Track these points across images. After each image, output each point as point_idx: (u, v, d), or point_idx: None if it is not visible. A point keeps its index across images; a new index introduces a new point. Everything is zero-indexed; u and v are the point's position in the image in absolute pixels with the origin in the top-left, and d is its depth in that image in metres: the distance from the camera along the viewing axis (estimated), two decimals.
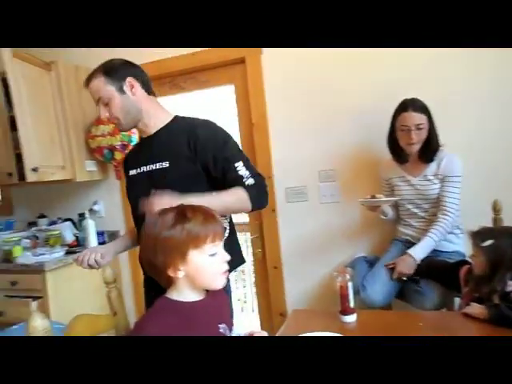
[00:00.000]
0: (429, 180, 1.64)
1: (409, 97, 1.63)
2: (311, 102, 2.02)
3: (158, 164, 1.23)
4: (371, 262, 1.75)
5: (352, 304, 1.23)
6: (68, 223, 2.45)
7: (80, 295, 2.11)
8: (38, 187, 2.51)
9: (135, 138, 2.19)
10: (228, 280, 1.17)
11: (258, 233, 2.21)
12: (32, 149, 2.00)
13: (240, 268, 3.37)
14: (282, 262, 2.14)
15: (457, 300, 1.53)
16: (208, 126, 1.26)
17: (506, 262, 1.15)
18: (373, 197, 1.63)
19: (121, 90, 1.22)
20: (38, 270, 1.99)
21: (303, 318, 1.35)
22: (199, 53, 2.12)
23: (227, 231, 1.27)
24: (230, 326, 0.96)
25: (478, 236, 1.23)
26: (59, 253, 2.16)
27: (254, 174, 1.21)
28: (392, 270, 1.60)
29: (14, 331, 1.36)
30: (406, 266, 1.56)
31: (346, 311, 1.23)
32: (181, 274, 0.82)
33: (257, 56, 2.07)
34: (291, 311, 1.53)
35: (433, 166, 1.63)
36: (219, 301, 0.93)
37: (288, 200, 2.11)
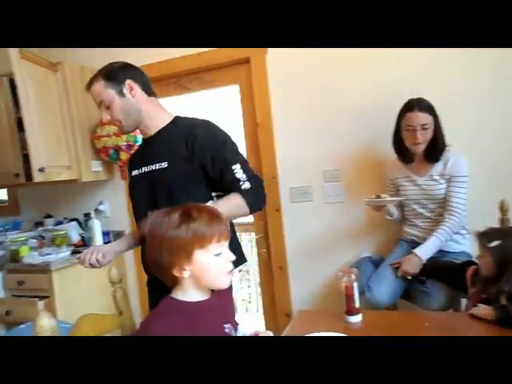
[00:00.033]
0: (435, 180, 1.63)
1: (412, 96, 1.62)
2: (316, 102, 2.01)
3: (157, 164, 1.24)
4: (376, 263, 1.75)
5: (357, 304, 1.23)
6: (74, 223, 2.46)
7: (86, 295, 2.13)
8: (44, 187, 2.53)
9: (140, 138, 2.20)
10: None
11: (263, 233, 2.21)
12: (39, 149, 2.01)
13: (245, 268, 3.37)
14: (287, 262, 2.14)
15: (463, 301, 1.52)
16: (207, 126, 1.26)
17: None
18: (378, 197, 1.63)
19: (121, 93, 1.24)
20: (45, 269, 2.01)
21: (308, 319, 1.35)
22: (204, 53, 2.12)
23: None
24: (235, 325, 0.96)
25: (484, 236, 1.22)
26: (65, 253, 2.17)
27: (251, 176, 1.22)
28: (397, 269, 1.59)
29: (22, 330, 1.37)
30: (412, 266, 1.56)
31: (351, 311, 1.22)
32: (186, 274, 0.83)
33: (262, 56, 2.07)
34: (296, 312, 1.53)
35: (439, 166, 1.62)
36: (224, 301, 0.94)
37: (292, 200, 2.11)
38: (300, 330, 1.14)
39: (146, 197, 1.27)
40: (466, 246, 1.64)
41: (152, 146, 1.30)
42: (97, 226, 2.33)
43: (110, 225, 2.45)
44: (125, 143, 2.22)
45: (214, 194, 1.27)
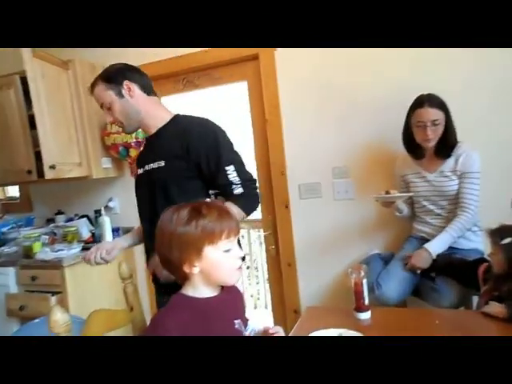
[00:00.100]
0: (446, 176, 1.61)
1: (423, 92, 1.60)
2: (325, 98, 2.00)
3: (156, 163, 1.27)
4: (386, 259, 1.74)
5: (367, 301, 1.22)
6: (84, 220, 2.49)
7: (97, 290, 2.16)
8: (55, 184, 2.57)
9: None
10: None
11: (272, 229, 2.21)
12: (50, 146, 2.04)
13: (253, 265, 3.38)
14: (296, 258, 2.14)
15: (475, 299, 1.50)
16: (203, 125, 1.27)
17: None
18: (387, 192, 1.62)
19: (120, 94, 1.27)
20: (57, 265, 2.03)
21: (317, 315, 1.35)
22: (212, 50, 2.12)
23: None
24: (245, 321, 0.96)
25: (496, 234, 1.20)
26: (76, 249, 2.20)
27: (245, 179, 1.22)
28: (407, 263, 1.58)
29: (36, 325, 1.39)
30: (421, 260, 1.55)
31: (360, 308, 1.22)
32: (196, 270, 0.83)
33: (270, 52, 2.06)
34: (305, 308, 1.53)
35: (450, 162, 1.60)
36: (234, 297, 0.94)
37: (301, 196, 2.10)
38: (309, 327, 1.14)
39: (146, 195, 1.31)
40: (478, 243, 1.62)
41: (152, 145, 1.33)
42: (107, 223, 2.35)
43: (119, 221, 2.48)
44: (134, 140, 2.24)
45: (211, 192, 1.27)
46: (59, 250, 2.15)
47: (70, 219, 2.57)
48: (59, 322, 0.81)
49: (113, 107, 1.27)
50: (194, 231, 0.81)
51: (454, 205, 1.62)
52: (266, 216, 2.23)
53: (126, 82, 1.26)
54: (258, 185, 1.30)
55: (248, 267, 3.16)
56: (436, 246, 1.56)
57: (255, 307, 3.18)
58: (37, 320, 1.43)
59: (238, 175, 1.21)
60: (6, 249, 2.36)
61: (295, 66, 2.04)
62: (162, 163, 1.25)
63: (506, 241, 1.16)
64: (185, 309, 0.83)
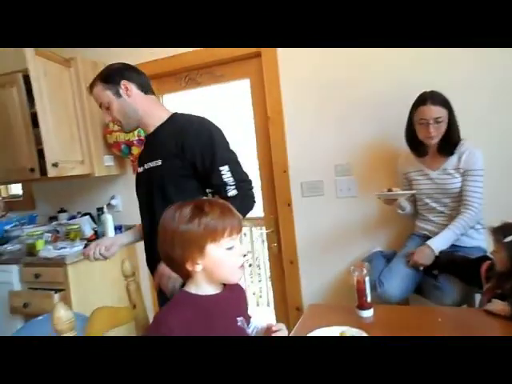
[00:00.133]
0: (449, 174, 1.60)
1: (426, 90, 1.59)
2: (327, 96, 2.00)
3: (154, 162, 1.28)
4: (388, 257, 1.74)
5: (369, 299, 1.22)
6: (87, 217, 2.50)
7: (99, 288, 2.17)
8: (58, 182, 2.57)
9: None
10: None
11: (274, 227, 2.21)
12: (53, 144, 2.04)
13: (255, 262, 3.38)
14: (298, 256, 2.14)
15: (477, 296, 1.50)
16: (199, 124, 1.26)
17: None
18: (389, 190, 1.61)
19: (117, 94, 1.28)
20: (60, 263, 2.04)
21: (320, 313, 1.35)
22: (214, 48, 2.12)
23: None
24: (248, 319, 0.97)
25: (499, 231, 1.20)
26: (79, 247, 2.21)
27: (239, 180, 1.21)
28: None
29: (39, 322, 1.41)
30: (424, 257, 1.55)
31: (362, 306, 1.22)
32: (199, 268, 0.83)
33: (272, 50, 2.05)
34: (307, 306, 1.53)
35: (453, 160, 1.60)
36: (236, 294, 0.94)
37: (304, 194, 2.10)
38: (311, 325, 1.14)
39: (145, 193, 1.32)
40: (481, 241, 1.62)
41: (151, 144, 1.34)
42: (109, 221, 2.36)
43: (122, 219, 2.48)
44: (136, 138, 2.24)
45: (208, 191, 1.27)
46: (62, 248, 2.16)
47: (73, 217, 2.58)
48: (63, 319, 0.81)
49: (111, 107, 1.29)
50: (196, 229, 0.81)
51: (456, 202, 1.61)
52: (269, 214, 2.23)
53: (123, 82, 1.28)
54: (253, 185, 1.29)
55: (250, 265, 3.17)
56: (438, 243, 1.55)
57: (257, 305, 3.18)
58: (40, 317, 1.44)
59: (233, 176, 1.20)
60: (9, 246, 2.37)
61: (297, 64, 2.03)
62: (160, 162, 1.26)
63: (509, 239, 1.16)
64: (188, 306, 0.84)
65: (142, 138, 2.24)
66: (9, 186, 3.12)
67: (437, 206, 1.66)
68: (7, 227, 2.58)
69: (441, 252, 1.55)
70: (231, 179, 1.20)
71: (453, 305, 1.47)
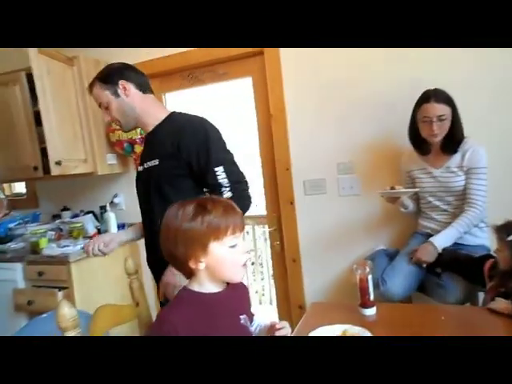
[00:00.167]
0: (452, 172, 1.60)
1: (429, 87, 1.58)
2: (330, 94, 1.99)
3: (152, 161, 1.28)
4: (391, 255, 1.73)
5: (372, 297, 1.22)
6: (90, 216, 2.51)
7: (103, 286, 2.18)
8: (61, 181, 2.58)
9: None
10: None
11: (276, 225, 2.21)
12: (56, 143, 2.05)
13: (258, 261, 3.38)
14: (301, 254, 2.14)
15: (481, 295, 1.50)
16: (195, 124, 1.26)
17: None
18: (392, 188, 1.61)
19: (116, 94, 1.29)
20: (63, 261, 2.05)
21: (322, 311, 1.35)
22: None
23: None
24: (251, 316, 0.97)
25: (503, 230, 1.20)
26: (82, 245, 2.22)
27: (234, 181, 1.20)
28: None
29: (44, 320, 1.42)
30: (427, 254, 1.54)
31: (365, 304, 1.22)
32: (202, 266, 0.83)
33: (275, 48, 2.05)
34: (310, 304, 1.53)
35: (457, 158, 1.59)
36: (239, 292, 0.94)
37: (306, 193, 2.10)
38: (314, 323, 1.14)
39: (144, 192, 1.34)
40: (484, 240, 1.61)
41: (149, 144, 1.35)
42: (112, 219, 2.36)
43: (125, 217, 2.49)
44: (139, 136, 2.24)
45: (205, 189, 1.27)
46: (65, 246, 2.17)
47: (76, 215, 2.59)
48: (67, 317, 0.82)
49: (110, 107, 1.30)
50: (199, 227, 0.81)
51: (460, 200, 1.61)
52: (271, 212, 2.23)
53: (121, 82, 1.28)
54: (248, 185, 1.27)
55: (253, 263, 3.17)
56: (441, 240, 1.55)
57: (260, 303, 3.19)
58: (45, 315, 1.45)
59: (228, 177, 1.20)
60: (13, 244, 2.39)
61: (300, 62, 2.02)
62: (157, 162, 1.27)
63: None
64: (191, 304, 0.84)
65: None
66: (12, 184, 3.13)
67: (440, 204, 1.66)
68: (11, 225, 2.59)
69: (444, 250, 1.54)
70: (226, 180, 1.19)
71: (456, 303, 1.46)
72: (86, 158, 2.27)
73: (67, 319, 0.81)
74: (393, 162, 1.87)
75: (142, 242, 1.51)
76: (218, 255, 0.83)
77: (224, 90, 2.42)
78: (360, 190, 2.00)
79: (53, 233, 2.39)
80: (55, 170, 2.03)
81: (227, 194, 1.20)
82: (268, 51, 2.07)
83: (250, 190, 1.27)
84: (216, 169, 1.19)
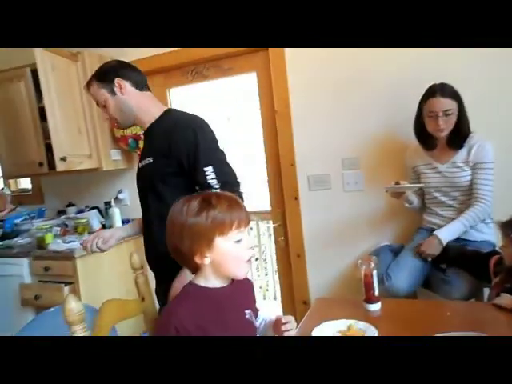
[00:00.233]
0: (458, 167, 1.59)
1: (435, 82, 1.57)
2: (335, 90, 1.98)
3: (147, 159, 1.29)
4: (395, 251, 1.73)
5: (377, 292, 1.22)
6: (95, 211, 2.52)
7: (108, 281, 2.19)
8: (66, 176, 2.60)
9: None
10: None
11: (281, 221, 2.21)
12: (61, 139, 2.06)
13: (262, 256, 3.38)
14: (305, 250, 2.14)
15: (486, 290, 1.49)
16: (186, 123, 1.25)
17: None
18: (397, 183, 1.60)
19: (112, 92, 1.29)
20: (69, 256, 2.07)
21: (327, 307, 1.35)
22: None
23: None
24: (256, 311, 0.97)
25: (508, 226, 1.19)
26: None
27: (224, 182, 1.18)
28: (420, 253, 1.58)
29: (51, 314, 1.43)
30: (431, 247, 1.54)
31: (370, 299, 1.22)
32: (207, 261, 0.84)
33: None
34: (315, 300, 1.53)
35: (463, 153, 1.58)
36: (244, 287, 0.95)
37: (311, 188, 2.10)
38: (318, 318, 1.14)
39: (140, 190, 1.37)
40: (490, 235, 1.60)
41: (146, 141, 1.37)
42: (116, 214, 2.38)
43: (129, 213, 2.50)
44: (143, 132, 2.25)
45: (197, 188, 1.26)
46: (71, 242, 2.19)
47: (81, 211, 2.61)
48: (73, 311, 0.82)
49: (107, 105, 1.31)
50: (204, 222, 0.82)
51: (466, 196, 1.60)
52: (276, 208, 2.23)
53: (117, 80, 1.28)
54: (240, 185, 1.24)
55: (257, 259, 3.17)
56: (446, 234, 1.55)
57: (264, 298, 3.20)
58: (51, 309, 1.47)
59: (217, 177, 1.17)
60: (19, 240, 2.41)
61: (305, 58, 2.01)
62: (151, 160, 1.27)
63: None
64: (197, 298, 0.84)
65: None
66: (18, 180, 3.16)
67: (445, 199, 1.65)
68: (17, 221, 2.61)
69: (450, 246, 1.54)
70: (215, 181, 1.17)
71: (461, 299, 1.46)
72: (91, 153, 2.28)
73: (74, 313, 0.82)
74: (398, 158, 1.86)
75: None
76: (223, 250, 0.83)
77: (228, 86, 2.41)
78: (365, 186, 1.99)
79: (58, 228, 2.41)
80: (60, 166, 2.04)
81: None
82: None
83: (242, 190, 1.25)
84: (205, 169, 1.18)
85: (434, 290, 1.60)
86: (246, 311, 0.91)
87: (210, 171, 1.17)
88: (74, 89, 2.20)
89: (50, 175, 2.49)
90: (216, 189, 1.17)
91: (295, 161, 2.09)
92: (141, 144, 2.29)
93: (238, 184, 1.24)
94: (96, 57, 2.27)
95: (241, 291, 0.92)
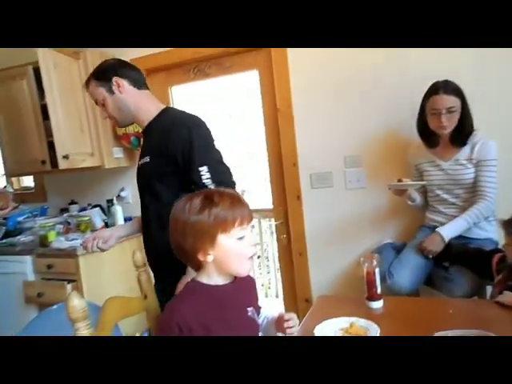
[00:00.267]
0: (461, 164, 1.58)
1: (438, 79, 1.56)
2: (337, 87, 1.97)
3: (145, 158, 1.29)
4: (398, 249, 1.73)
5: (379, 290, 1.22)
6: (97, 209, 2.53)
7: (110, 278, 2.20)
8: (68, 174, 2.60)
9: None
10: None
11: (283, 219, 2.21)
12: (63, 137, 2.06)
13: (264, 254, 3.38)
14: (307, 248, 2.14)
15: (489, 288, 1.49)
16: (181, 122, 1.25)
17: None
18: (399, 181, 1.60)
19: (110, 91, 1.29)
20: (71, 254, 2.08)
21: (329, 304, 1.35)
22: None
23: None
24: (258, 309, 0.97)
25: (510, 224, 1.18)
26: None
27: (218, 182, 1.17)
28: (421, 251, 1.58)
29: (54, 311, 1.44)
30: (433, 243, 1.54)
31: (372, 297, 1.22)
32: (210, 259, 0.84)
33: None
34: (317, 297, 1.53)
35: (466, 150, 1.57)
36: (247, 285, 0.95)
37: (313, 186, 2.09)
38: (320, 316, 1.14)
39: (139, 188, 1.37)
40: (493, 233, 1.60)
41: (144, 140, 1.37)
42: (119, 212, 2.39)
43: (131, 211, 2.50)
44: None
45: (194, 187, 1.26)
46: (73, 239, 2.19)
47: (83, 209, 2.61)
48: (77, 308, 0.83)
49: (105, 103, 1.31)
50: (206, 220, 0.82)
51: (469, 193, 1.59)
52: (278, 206, 2.23)
53: (115, 79, 1.28)
54: (234, 185, 1.24)
55: (259, 257, 3.18)
56: (449, 231, 1.54)
57: (266, 296, 3.20)
58: (55, 306, 1.48)
59: (212, 177, 1.17)
60: (22, 238, 2.42)
61: (307, 56, 2.00)
62: (148, 159, 1.28)
63: None
64: (199, 295, 0.84)
65: None
66: (21, 178, 3.17)
67: (448, 197, 1.64)
68: (20, 219, 2.62)
69: (453, 243, 1.53)
70: (209, 181, 1.16)
71: (464, 296, 1.46)
72: (93, 151, 2.28)
73: (77, 310, 0.83)
74: (400, 155, 1.86)
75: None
76: (225, 247, 0.83)
77: (230, 83, 2.41)
78: (367, 183, 1.99)
79: (61, 226, 2.42)
80: (63, 164, 2.05)
81: None
82: None
83: (240, 190, 1.26)
84: (200, 168, 1.17)
85: (437, 287, 1.59)
86: (249, 308, 0.91)
87: (204, 171, 1.17)
88: (76, 87, 2.20)
89: (53, 173, 2.50)
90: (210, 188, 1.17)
91: (297, 159, 2.09)
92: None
93: (233, 184, 1.24)
94: (98, 55, 2.26)
95: (243, 289, 0.92)
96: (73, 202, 2.69)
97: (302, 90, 2.04)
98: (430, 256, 1.56)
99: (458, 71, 1.67)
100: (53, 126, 2.02)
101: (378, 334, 0.99)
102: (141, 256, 1.23)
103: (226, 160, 1.27)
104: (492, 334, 0.89)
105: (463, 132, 1.56)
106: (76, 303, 0.82)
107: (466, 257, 1.48)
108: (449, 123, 1.53)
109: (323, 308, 1.30)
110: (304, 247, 2.15)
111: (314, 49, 1.97)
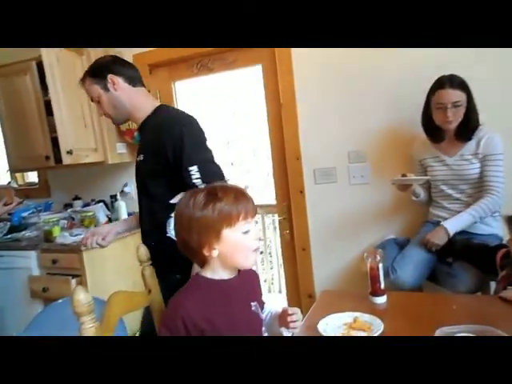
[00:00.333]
0: (466, 160, 1.57)
1: (442, 73, 1.55)
2: (341, 82, 1.96)
3: (140, 156, 1.30)
4: (401, 244, 1.73)
5: (382, 285, 1.22)
6: (101, 205, 2.54)
7: (114, 273, 2.21)
8: (72, 170, 2.61)
9: None
10: None
11: (286, 214, 2.21)
12: (67, 132, 2.07)
13: (268, 250, 3.38)
14: (311, 243, 2.14)
15: (492, 284, 1.48)
16: (172, 121, 1.23)
17: None
18: (403, 176, 1.59)
19: (105, 88, 1.29)
20: (76, 249, 2.09)
21: (332, 300, 1.35)
22: None
23: None
24: (262, 304, 0.98)
25: None
26: None
27: (208, 182, 1.14)
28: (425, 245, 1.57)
29: (59, 305, 1.45)
30: (437, 236, 1.54)
31: (376, 292, 1.22)
32: (215, 253, 0.84)
33: None
34: (320, 292, 1.53)
35: (471, 145, 1.56)
36: (250, 279, 0.95)
37: (317, 181, 2.09)
38: (324, 311, 1.15)
39: (137, 185, 1.37)
40: (497, 229, 1.59)
41: (140, 138, 1.37)
42: (122, 208, 2.40)
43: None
44: None
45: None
46: (77, 235, 2.20)
47: (87, 204, 2.62)
48: (82, 302, 0.83)
49: (101, 101, 1.30)
50: (211, 215, 0.82)
51: (474, 189, 1.58)
52: (281, 201, 2.23)
53: (110, 76, 1.27)
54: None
55: (262, 252, 3.18)
56: (453, 225, 1.54)
57: (269, 291, 3.21)
58: (60, 300, 1.49)
59: (202, 177, 1.15)
60: (27, 233, 2.43)
61: (311, 51, 1.99)
62: (142, 157, 1.28)
63: None
64: (204, 290, 0.85)
65: None
66: (25, 173, 3.18)
67: (453, 192, 1.64)
68: (24, 214, 2.64)
69: (457, 239, 1.53)
70: (199, 181, 1.15)
71: (467, 292, 1.45)
72: (97, 147, 2.28)
73: (83, 304, 0.83)
74: (404, 151, 1.85)
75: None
76: (231, 241, 0.84)
77: (234, 78, 2.40)
78: (371, 179, 1.98)
79: (65, 221, 2.43)
80: (67, 160, 2.05)
81: None
82: None
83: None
84: (190, 168, 1.16)
85: (440, 283, 1.59)
86: (252, 303, 0.91)
87: (194, 171, 1.16)
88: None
89: (57, 169, 2.51)
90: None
91: (301, 154, 2.08)
92: None
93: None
94: (101, 50, 2.25)
95: (247, 283, 0.92)
96: (77, 198, 2.70)
97: (306, 85, 2.03)
98: (434, 249, 1.55)
99: (458, 72, 1.66)
100: (56, 121, 2.02)
101: (381, 329, 0.99)
102: (145, 250, 1.23)
103: (218, 159, 1.25)
104: (496, 330, 0.89)
105: (469, 127, 1.54)
106: (81, 297, 0.83)
107: (469, 252, 1.48)
108: (454, 117, 1.52)
109: (326, 303, 1.30)
110: (307, 243, 2.15)
111: None
